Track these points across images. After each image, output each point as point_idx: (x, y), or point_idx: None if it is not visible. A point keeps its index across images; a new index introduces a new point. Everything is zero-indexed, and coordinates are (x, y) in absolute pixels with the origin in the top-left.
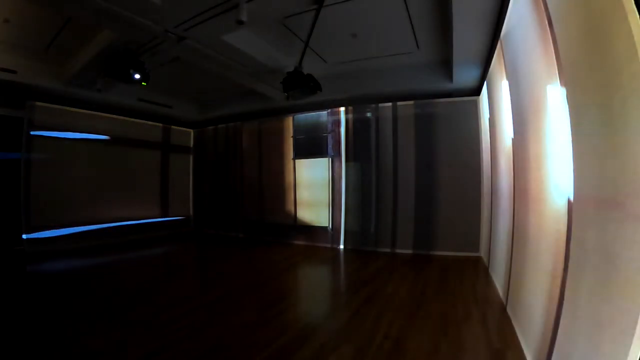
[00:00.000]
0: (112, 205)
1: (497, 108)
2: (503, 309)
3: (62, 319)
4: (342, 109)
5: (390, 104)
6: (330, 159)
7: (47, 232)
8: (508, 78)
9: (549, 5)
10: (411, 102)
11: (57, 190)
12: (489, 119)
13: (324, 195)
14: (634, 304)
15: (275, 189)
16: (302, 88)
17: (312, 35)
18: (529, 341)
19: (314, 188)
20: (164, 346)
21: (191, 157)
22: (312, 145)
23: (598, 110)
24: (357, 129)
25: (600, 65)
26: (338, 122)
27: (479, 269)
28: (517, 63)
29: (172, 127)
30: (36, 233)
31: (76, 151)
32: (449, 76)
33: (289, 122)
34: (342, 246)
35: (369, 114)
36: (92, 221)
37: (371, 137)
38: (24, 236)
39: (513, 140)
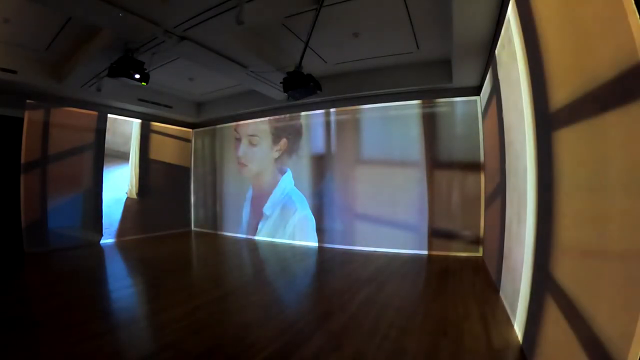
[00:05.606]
0: None
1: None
2: (503, 308)
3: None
4: (342, 108)
5: (390, 104)
6: (330, 159)
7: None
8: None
9: (547, 6)
10: (411, 102)
11: None
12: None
13: None
14: (634, 304)
15: None
16: (302, 88)
17: (312, 35)
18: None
19: None
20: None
21: (192, 157)
22: (311, 145)
23: (598, 111)
24: (357, 128)
25: (598, 65)
26: (337, 122)
27: (479, 269)
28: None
29: (173, 127)
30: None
31: None
32: (449, 76)
33: (289, 122)
34: (338, 246)
35: (368, 114)
36: None
37: (371, 137)
38: None
39: (513, 140)
